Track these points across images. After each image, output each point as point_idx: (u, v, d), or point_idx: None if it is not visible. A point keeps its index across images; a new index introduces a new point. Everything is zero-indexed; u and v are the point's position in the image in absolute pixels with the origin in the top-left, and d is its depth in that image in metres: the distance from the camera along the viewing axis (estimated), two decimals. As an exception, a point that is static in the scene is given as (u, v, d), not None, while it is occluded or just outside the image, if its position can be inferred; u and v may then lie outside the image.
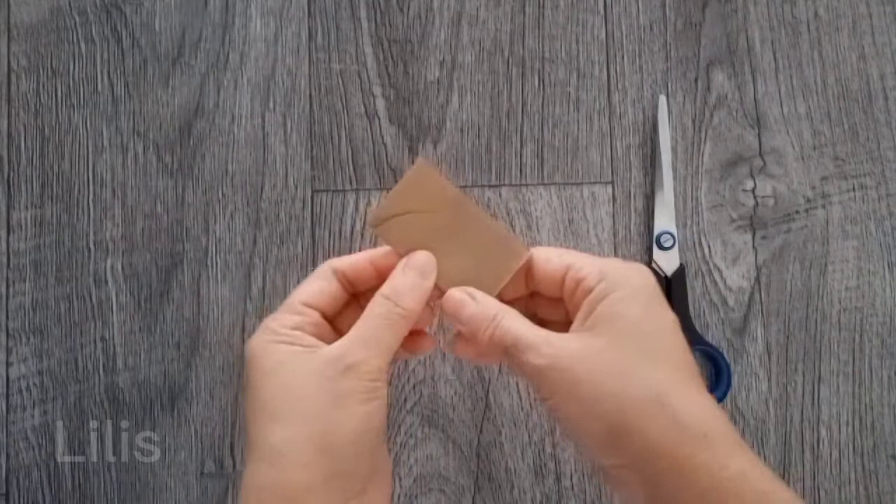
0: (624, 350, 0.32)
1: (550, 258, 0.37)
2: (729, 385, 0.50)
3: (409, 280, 0.37)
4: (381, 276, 0.37)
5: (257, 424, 0.34)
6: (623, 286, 0.34)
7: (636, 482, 0.32)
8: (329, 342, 0.36)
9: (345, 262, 0.38)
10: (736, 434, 0.32)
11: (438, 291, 0.38)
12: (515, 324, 0.34)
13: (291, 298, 0.37)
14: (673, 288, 0.50)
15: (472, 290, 0.37)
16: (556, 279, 0.36)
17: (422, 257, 0.37)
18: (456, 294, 0.37)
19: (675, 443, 0.31)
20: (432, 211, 0.38)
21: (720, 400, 0.50)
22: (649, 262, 0.50)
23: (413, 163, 0.40)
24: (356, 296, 0.39)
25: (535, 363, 0.33)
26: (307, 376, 0.34)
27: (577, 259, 0.36)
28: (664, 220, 0.51)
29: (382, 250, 0.39)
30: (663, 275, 0.50)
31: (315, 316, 0.37)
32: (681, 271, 0.50)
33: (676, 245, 0.51)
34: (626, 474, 0.32)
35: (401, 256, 0.38)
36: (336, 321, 0.38)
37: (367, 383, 0.34)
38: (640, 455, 0.31)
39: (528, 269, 0.38)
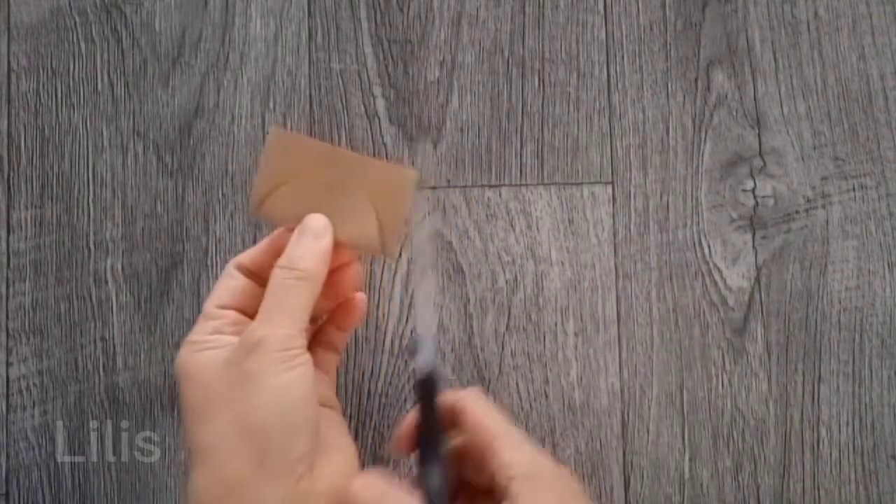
0: None
1: (469, 429, 0.36)
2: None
3: (303, 244, 0.36)
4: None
5: (188, 431, 0.34)
6: (528, 491, 0.34)
7: None
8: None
9: (245, 255, 0.38)
10: None
11: (347, 251, 0.37)
12: None
13: (205, 305, 0.37)
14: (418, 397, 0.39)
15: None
16: (479, 451, 0.36)
17: (311, 220, 0.36)
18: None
19: None
20: (306, 173, 0.37)
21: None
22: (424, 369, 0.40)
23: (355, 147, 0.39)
24: None
25: None
26: (218, 370, 0.34)
27: (496, 441, 0.35)
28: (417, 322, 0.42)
29: (277, 232, 0.38)
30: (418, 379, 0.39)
31: (232, 315, 0.37)
32: (430, 378, 0.39)
33: (426, 350, 0.39)
34: None
35: (293, 231, 0.37)
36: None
37: (275, 355, 0.33)
38: None
39: (459, 420, 0.37)
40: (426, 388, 0.38)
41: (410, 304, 0.52)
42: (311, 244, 0.36)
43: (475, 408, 0.37)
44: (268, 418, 0.33)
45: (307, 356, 0.35)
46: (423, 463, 0.36)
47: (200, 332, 0.36)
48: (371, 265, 0.51)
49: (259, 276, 0.38)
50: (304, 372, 0.34)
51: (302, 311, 0.35)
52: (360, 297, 0.41)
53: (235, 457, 0.32)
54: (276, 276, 0.35)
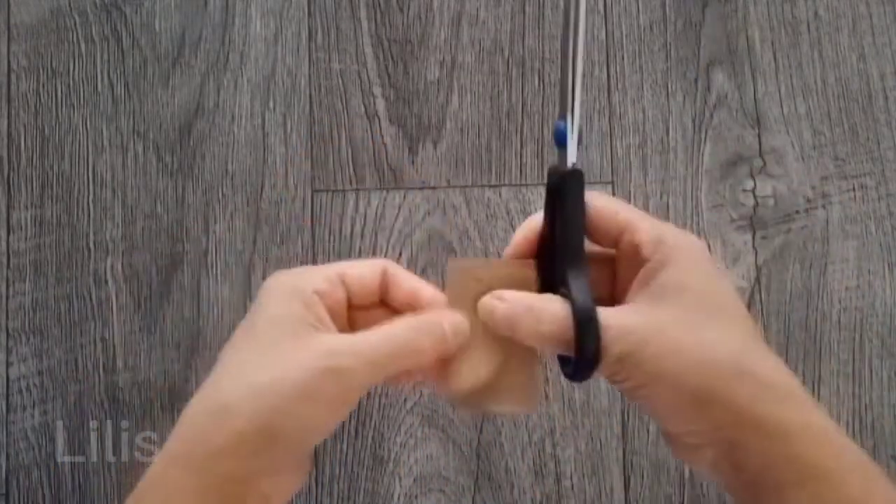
0: (696, 319, 0.32)
1: (604, 213, 0.35)
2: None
3: (437, 328, 0.35)
4: (415, 307, 0.36)
5: (230, 365, 0.34)
6: (681, 257, 0.33)
7: (721, 451, 0.32)
8: (338, 326, 0.35)
9: (399, 273, 0.37)
10: (808, 392, 0.32)
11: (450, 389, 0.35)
12: (559, 311, 0.33)
13: (332, 267, 0.36)
14: (562, 195, 0.35)
15: (498, 292, 0.35)
16: (611, 237, 0.35)
17: (460, 320, 0.36)
18: (484, 302, 0.35)
19: (760, 403, 0.31)
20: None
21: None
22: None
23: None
24: (385, 306, 0.38)
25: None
26: (296, 356, 0.33)
27: (633, 220, 0.34)
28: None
29: (434, 292, 0.37)
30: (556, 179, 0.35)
31: (341, 295, 0.36)
32: (576, 176, 0.35)
33: (576, 141, 0.35)
34: (708, 445, 0.32)
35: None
36: (355, 315, 0.37)
37: (342, 392, 0.33)
38: (725, 421, 0.31)
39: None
40: (572, 185, 0.34)
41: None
42: (441, 333, 0.35)
43: (604, 201, 0.36)
44: (293, 434, 0.33)
45: (354, 407, 0.35)
46: (564, 268, 0.34)
47: (311, 282, 0.35)
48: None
49: (387, 294, 0.37)
50: (343, 418, 0.34)
51: (389, 370, 0.34)
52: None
53: (244, 439, 0.33)
54: (400, 328, 0.35)
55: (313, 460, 0.38)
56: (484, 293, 0.36)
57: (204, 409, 0.34)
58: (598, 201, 0.35)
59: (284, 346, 0.34)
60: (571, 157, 0.34)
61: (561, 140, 0.34)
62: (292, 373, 0.33)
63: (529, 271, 0.37)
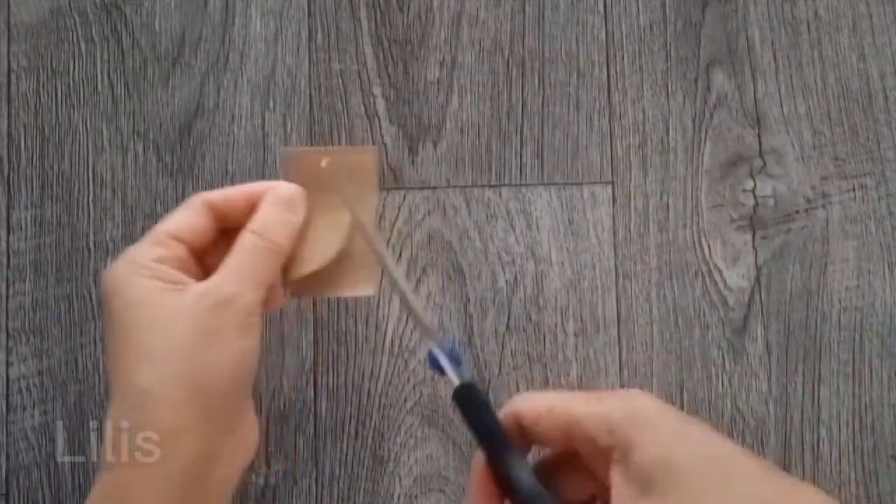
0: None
1: (539, 416, 0.31)
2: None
3: (277, 214, 0.36)
4: (254, 211, 0.36)
5: (121, 364, 0.33)
6: (642, 424, 0.28)
7: None
8: (195, 278, 0.35)
9: (218, 195, 0.37)
10: None
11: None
12: None
13: (156, 229, 0.35)
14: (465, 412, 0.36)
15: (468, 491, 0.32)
16: (561, 438, 0.31)
17: (288, 189, 0.36)
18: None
19: None
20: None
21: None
22: None
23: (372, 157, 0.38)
24: (226, 232, 0.37)
25: None
26: (177, 313, 0.33)
27: (569, 409, 0.30)
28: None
29: (257, 185, 0.37)
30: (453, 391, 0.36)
31: (181, 249, 0.35)
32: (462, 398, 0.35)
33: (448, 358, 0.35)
34: None
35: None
36: (203, 257, 0.36)
37: (241, 318, 0.33)
38: None
39: (523, 432, 0.33)
40: (470, 399, 0.34)
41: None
42: (284, 215, 0.35)
43: (530, 403, 0.32)
44: (220, 377, 0.33)
45: (261, 326, 0.35)
46: (508, 475, 0.32)
47: (146, 256, 0.34)
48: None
49: (224, 220, 0.37)
50: (257, 341, 0.34)
51: (268, 279, 0.35)
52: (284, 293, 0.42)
53: (179, 406, 0.32)
54: (249, 239, 0.35)
55: (255, 407, 0.38)
56: (323, 185, 0.36)
57: (127, 409, 0.33)
58: (524, 405, 0.32)
59: (162, 317, 0.33)
60: (454, 380, 0.35)
61: (436, 367, 0.35)
62: (186, 327, 0.32)
63: (369, 157, 0.37)
